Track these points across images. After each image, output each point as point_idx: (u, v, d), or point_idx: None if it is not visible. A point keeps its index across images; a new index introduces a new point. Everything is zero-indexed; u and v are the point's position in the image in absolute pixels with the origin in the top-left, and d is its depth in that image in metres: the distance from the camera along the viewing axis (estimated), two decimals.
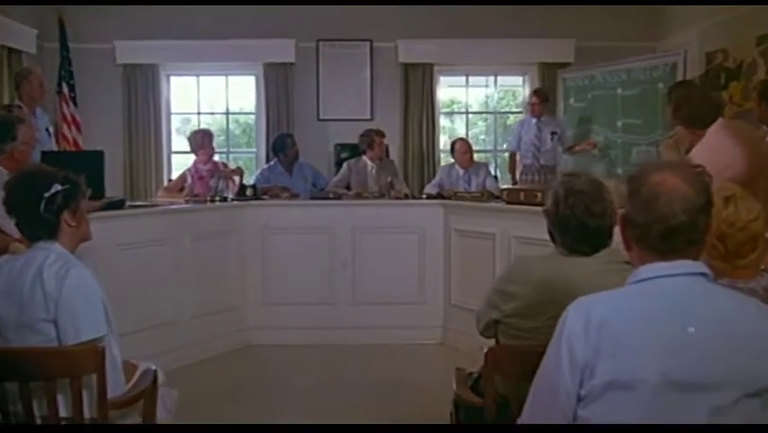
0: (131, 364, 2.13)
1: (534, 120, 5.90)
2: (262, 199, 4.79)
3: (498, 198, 4.70)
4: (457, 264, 4.52)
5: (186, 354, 4.17)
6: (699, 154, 2.82)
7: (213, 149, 5.08)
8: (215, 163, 5.10)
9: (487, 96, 7.27)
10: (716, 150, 2.76)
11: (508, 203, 4.27)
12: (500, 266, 4.12)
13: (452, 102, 7.29)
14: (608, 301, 1.34)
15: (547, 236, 3.63)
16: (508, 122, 7.25)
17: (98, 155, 3.78)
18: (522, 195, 4.19)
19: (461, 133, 6.97)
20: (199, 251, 4.29)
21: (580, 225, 1.91)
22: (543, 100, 5.85)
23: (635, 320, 1.30)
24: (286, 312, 4.57)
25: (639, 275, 1.36)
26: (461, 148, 5.51)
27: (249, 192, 4.79)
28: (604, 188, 1.94)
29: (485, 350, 1.88)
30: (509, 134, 6.33)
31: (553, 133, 5.87)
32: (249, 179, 5.34)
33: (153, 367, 2.10)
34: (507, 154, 6.41)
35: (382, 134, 5.41)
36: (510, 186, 5.07)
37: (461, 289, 4.49)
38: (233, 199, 4.72)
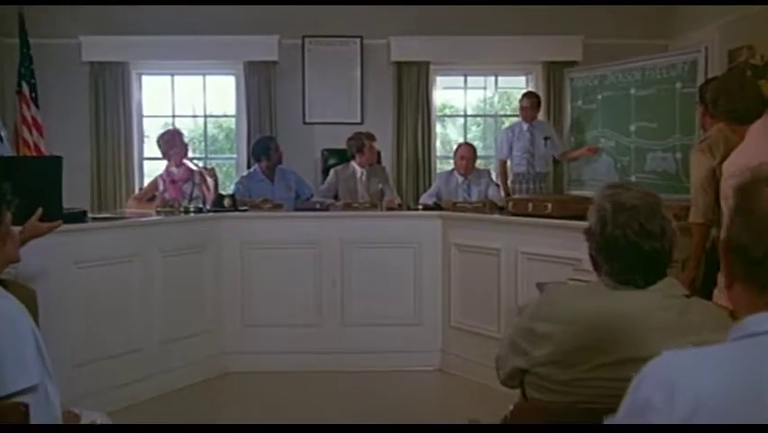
0: (72, 415, 1.86)
1: (525, 125, 5.84)
2: (241, 210, 4.65)
3: (502, 208, 4.60)
4: (457, 282, 4.39)
5: (155, 385, 4.02)
6: (740, 158, 2.57)
7: (185, 149, 4.98)
8: (190, 169, 5.00)
9: (485, 99, 7.19)
10: (762, 152, 2.45)
11: (514, 214, 4.14)
12: (506, 285, 4.03)
13: (445, 106, 7.17)
14: (700, 366, 0.99)
15: (560, 252, 3.72)
16: (504, 126, 7.05)
17: (55, 161, 3.52)
18: (530, 205, 4.05)
19: (454, 138, 6.86)
20: (170, 268, 4.13)
21: (632, 248, 1.61)
22: (536, 104, 5.82)
23: (745, 400, 0.93)
24: (267, 335, 4.45)
25: (748, 328, 1.00)
26: (467, 154, 5.33)
27: (226, 202, 4.61)
28: (660, 202, 1.68)
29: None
30: (499, 141, 6.22)
31: (546, 138, 5.82)
32: (227, 188, 5.22)
33: (99, 420, 1.82)
34: (495, 163, 6.31)
35: (373, 138, 5.30)
36: (519, 196, 4.96)
37: (462, 309, 4.38)
38: (208, 210, 4.58)
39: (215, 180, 4.81)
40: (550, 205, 3.89)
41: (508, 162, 5.98)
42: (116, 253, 3.86)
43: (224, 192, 4.78)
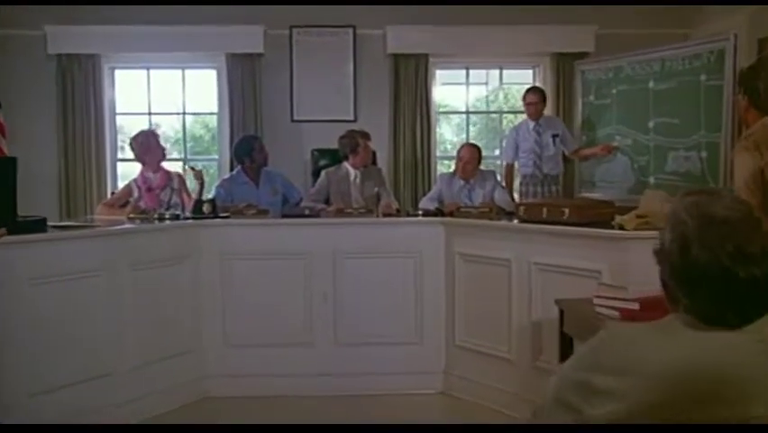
0: None
1: (531, 123, 5.72)
2: (222, 217, 4.48)
3: (510, 213, 4.50)
4: (462, 296, 4.25)
5: (128, 413, 3.85)
6: None
7: (162, 152, 4.86)
8: (167, 172, 4.89)
9: (488, 94, 7.05)
10: None
11: (526, 221, 3.96)
12: (518, 299, 3.87)
13: (438, 105, 6.90)
14: None
15: (579, 263, 3.49)
16: (507, 126, 6.99)
17: (8, 163, 3.28)
18: (544, 211, 3.85)
19: (449, 138, 6.77)
20: (143, 282, 3.95)
21: (725, 276, 1.29)
22: (541, 99, 5.70)
23: None
24: (252, 356, 4.31)
25: None
26: (468, 155, 5.14)
27: (206, 208, 4.44)
28: (756, 214, 1.37)
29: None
30: (505, 143, 6.11)
31: (554, 136, 5.69)
32: (207, 192, 5.02)
33: None
34: (502, 165, 6.17)
35: (367, 136, 5.18)
36: (531, 200, 4.84)
37: (468, 326, 4.23)
38: (185, 217, 4.42)
39: (202, 184, 4.63)
40: (567, 210, 3.68)
41: (516, 165, 5.87)
42: (80, 267, 3.66)
43: (202, 198, 4.59)
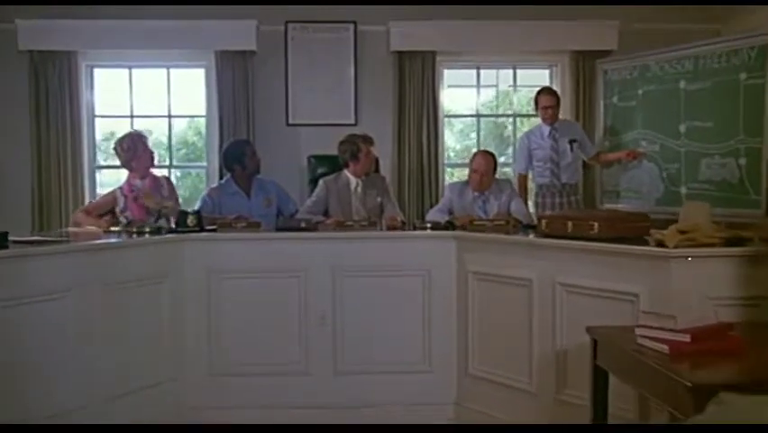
0: None
1: (546, 129, 5.59)
2: (209, 231, 4.34)
3: (529, 226, 4.38)
4: (477, 320, 4.10)
5: None
6: None
7: (151, 157, 4.80)
8: (156, 178, 4.83)
9: (498, 96, 6.91)
10: None
11: (549, 236, 3.76)
12: (540, 324, 3.72)
13: (445, 108, 6.81)
14: None
15: (611, 284, 3.33)
16: (506, 132, 6.97)
17: None
18: (569, 225, 3.64)
19: (451, 146, 6.69)
20: (117, 304, 3.79)
21: None
22: (556, 101, 5.58)
23: None
24: (241, 386, 4.19)
25: None
26: (481, 166, 4.96)
27: (190, 221, 4.28)
28: None
29: None
30: (517, 152, 5.99)
31: (572, 142, 5.56)
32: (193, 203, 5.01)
33: None
34: (514, 175, 6.05)
35: (370, 141, 5.06)
36: (555, 213, 4.70)
37: (483, 353, 4.09)
38: (167, 231, 4.26)
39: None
40: (597, 224, 3.46)
41: (529, 175, 5.72)
42: (45, 287, 3.46)
43: (187, 210, 4.46)
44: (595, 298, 3.39)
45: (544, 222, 3.83)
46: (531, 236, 3.97)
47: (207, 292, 4.16)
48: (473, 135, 6.93)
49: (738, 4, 5.79)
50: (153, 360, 3.99)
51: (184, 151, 6.73)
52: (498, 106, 6.94)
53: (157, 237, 4.16)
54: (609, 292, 3.33)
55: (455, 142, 6.91)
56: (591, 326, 2.91)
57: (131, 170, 4.71)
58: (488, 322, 4.05)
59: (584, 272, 3.47)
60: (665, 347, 2.42)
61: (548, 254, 3.70)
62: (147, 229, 4.22)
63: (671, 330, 2.45)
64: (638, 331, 2.57)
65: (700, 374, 2.30)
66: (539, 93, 5.64)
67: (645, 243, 3.33)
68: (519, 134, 6.52)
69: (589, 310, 3.37)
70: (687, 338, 2.40)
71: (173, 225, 4.31)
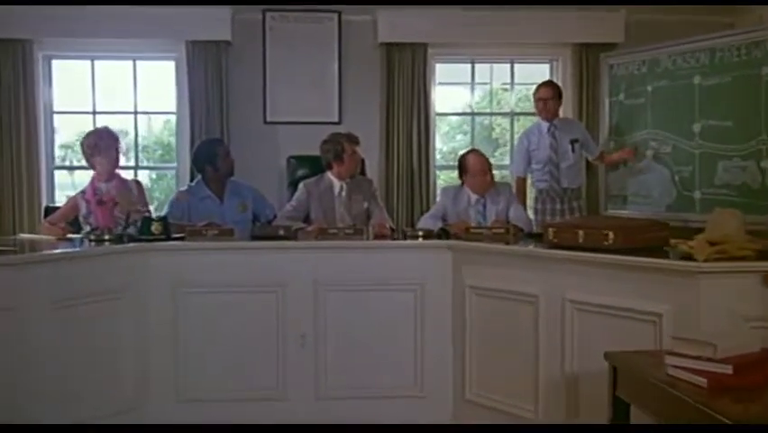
0: None
1: (545, 125, 5.46)
2: (176, 239, 4.20)
3: (533, 235, 4.28)
4: (475, 340, 3.99)
5: None
6: None
7: (117, 156, 4.64)
8: (124, 181, 4.69)
9: (491, 92, 6.85)
10: None
11: (557, 246, 3.59)
12: (547, 345, 3.59)
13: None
14: None
15: (631, 302, 3.18)
16: (494, 134, 6.90)
17: None
18: (581, 234, 3.45)
19: (437, 147, 6.56)
20: (70, 324, 3.61)
21: None
22: (556, 95, 5.46)
23: None
24: (213, 413, 4.02)
25: None
26: (479, 165, 4.79)
27: (155, 228, 4.12)
28: None
29: None
30: (514, 153, 5.86)
31: (573, 142, 5.43)
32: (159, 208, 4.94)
33: None
34: (512, 179, 5.89)
35: (355, 140, 4.93)
36: (564, 221, 4.64)
37: (482, 377, 3.98)
38: (129, 240, 4.10)
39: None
40: (612, 233, 3.27)
41: (528, 179, 5.61)
42: None
43: (151, 216, 4.37)
44: (610, 317, 3.23)
45: (551, 231, 3.63)
46: (536, 247, 3.82)
47: (174, 309, 4.02)
48: (460, 137, 6.85)
49: (748, 4, 5.80)
50: (112, 387, 3.83)
51: (160, 152, 6.63)
52: (491, 104, 6.85)
53: (117, 247, 3.98)
54: (627, 312, 3.16)
55: (441, 143, 6.82)
56: (611, 351, 2.69)
57: (94, 168, 4.56)
58: (487, 342, 3.93)
59: (598, 288, 3.30)
60: (703, 380, 2.18)
61: (556, 267, 3.55)
62: (106, 237, 4.04)
63: (709, 360, 2.21)
64: (669, 360, 2.34)
65: (744, 412, 2.07)
66: (538, 86, 5.57)
67: (665, 254, 3.16)
68: (512, 135, 6.51)
69: (604, 332, 3.21)
70: (729, 370, 2.17)
71: (136, 233, 4.15)
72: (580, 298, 3.39)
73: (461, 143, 6.80)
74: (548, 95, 5.39)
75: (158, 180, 6.73)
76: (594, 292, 3.30)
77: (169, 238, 4.15)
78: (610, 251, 3.24)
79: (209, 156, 4.89)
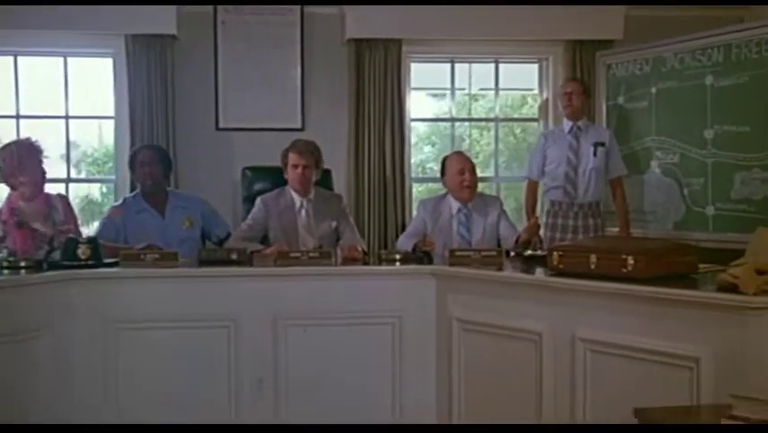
0: None
1: (568, 125, 5.26)
2: (108, 265, 3.97)
3: (536, 258, 3.93)
4: (464, 384, 3.76)
5: None
6: None
7: (41, 172, 4.36)
8: (48, 197, 4.42)
9: (470, 95, 6.66)
10: None
11: (564, 274, 3.28)
12: (553, 391, 3.33)
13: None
14: None
15: (659, 344, 2.90)
16: (465, 145, 6.64)
17: None
18: (594, 260, 3.13)
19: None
20: None
21: None
22: (581, 90, 5.26)
23: None
24: None
25: None
26: (461, 163, 4.65)
27: (82, 253, 3.85)
28: None
29: None
30: (530, 154, 5.68)
31: (597, 145, 5.16)
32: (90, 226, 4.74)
33: None
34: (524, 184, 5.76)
35: (299, 148, 4.70)
36: (569, 243, 4.37)
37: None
38: (51, 266, 3.82)
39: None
40: (632, 259, 2.96)
41: (540, 186, 5.43)
42: None
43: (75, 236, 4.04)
44: (634, 361, 2.92)
45: (556, 255, 3.31)
46: (539, 273, 3.54)
47: (103, 349, 3.75)
48: (428, 149, 6.75)
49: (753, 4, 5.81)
50: None
51: (110, 165, 6.36)
52: (469, 110, 6.70)
53: (34, 276, 3.69)
54: (655, 355, 2.84)
55: (413, 154, 6.72)
56: (643, 408, 2.36)
57: (13, 188, 4.29)
58: (479, 387, 3.68)
59: (616, 326, 2.99)
60: None
61: (564, 299, 3.25)
62: (22, 264, 3.77)
63: None
64: (727, 421, 1.99)
65: None
66: (565, 80, 5.56)
67: (695, 284, 2.88)
68: (497, 143, 6.42)
69: (625, 378, 2.91)
70: None
71: (59, 259, 3.87)
72: (594, 336, 3.09)
73: (428, 156, 6.72)
74: (572, 88, 5.24)
75: (108, 195, 6.48)
76: (611, 330, 3.00)
77: (99, 264, 3.90)
78: (631, 280, 2.93)
79: (130, 163, 4.80)
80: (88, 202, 6.38)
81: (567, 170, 5.10)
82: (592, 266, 3.14)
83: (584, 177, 5.12)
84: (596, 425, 2.89)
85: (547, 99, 6.24)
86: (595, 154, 5.11)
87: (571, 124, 5.20)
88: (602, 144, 5.14)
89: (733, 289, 2.57)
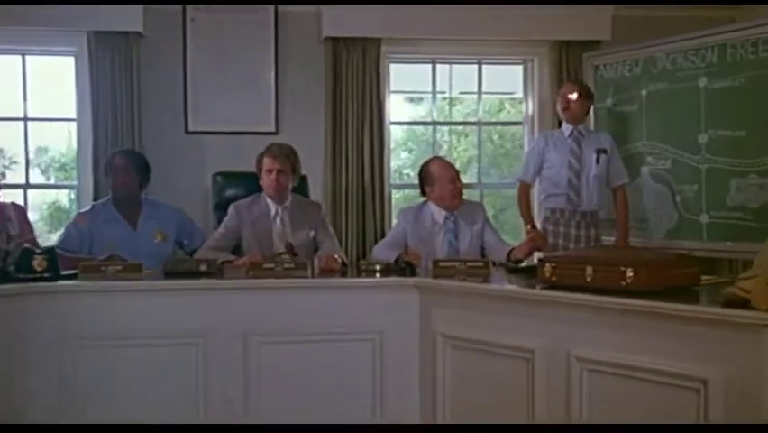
0: None
1: (568, 129, 5.14)
2: (66, 278, 3.81)
3: (528, 269, 3.84)
4: (450, 404, 3.62)
5: None
6: None
7: None
8: (1, 206, 4.31)
9: (449, 99, 6.62)
10: None
11: (558, 287, 3.17)
12: (546, 413, 3.21)
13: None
14: None
15: (663, 363, 2.79)
16: (442, 151, 6.57)
17: None
18: (590, 272, 3.00)
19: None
20: None
21: None
22: (586, 93, 5.17)
23: None
24: None
25: None
26: (446, 173, 4.55)
27: (38, 264, 3.71)
28: None
29: None
30: (525, 155, 5.61)
31: (600, 152, 5.08)
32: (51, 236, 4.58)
33: None
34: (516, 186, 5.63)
35: (273, 151, 4.62)
36: (564, 253, 4.21)
37: None
38: (2, 278, 3.68)
39: None
40: (631, 271, 2.85)
41: (534, 190, 5.35)
42: None
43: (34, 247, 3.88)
44: (634, 382, 2.80)
45: (549, 266, 3.18)
46: (531, 286, 3.42)
47: (60, 367, 3.59)
48: (404, 155, 6.67)
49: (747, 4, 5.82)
50: None
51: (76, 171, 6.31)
52: (450, 114, 6.64)
53: None
54: (658, 375, 2.72)
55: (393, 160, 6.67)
56: None
57: None
58: (465, 409, 3.55)
59: (615, 343, 2.87)
60: None
61: (559, 314, 3.13)
62: None
63: None
64: None
65: None
66: (566, 83, 5.45)
67: (693, 296, 2.80)
68: (481, 148, 6.34)
69: (626, 400, 2.79)
70: None
71: (12, 271, 3.71)
72: (591, 355, 2.96)
73: (405, 162, 6.63)
74: (573, 90, 5.14)
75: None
76: (611, 348, 2.88)
77: (56, 277, 3.76)
78: (631, 293, 2.82)
79: (105, 167, 4.70)
80: (56, 209, 6.28)
81: (570, 175, 5.00)
82: (588, 278, 3.01)
83: (587, 184, 5.04)
84: (596, 425, 2.80)
85: (531, 102, 6.19)
86: (597, 161, 5.03)
87: (571, 128, 5.11)
88: (604, 151, 5.07)
89: (743, 304, 2.44)
